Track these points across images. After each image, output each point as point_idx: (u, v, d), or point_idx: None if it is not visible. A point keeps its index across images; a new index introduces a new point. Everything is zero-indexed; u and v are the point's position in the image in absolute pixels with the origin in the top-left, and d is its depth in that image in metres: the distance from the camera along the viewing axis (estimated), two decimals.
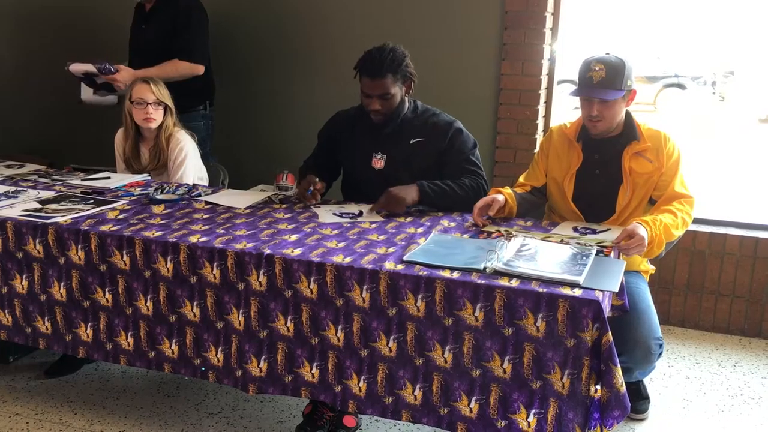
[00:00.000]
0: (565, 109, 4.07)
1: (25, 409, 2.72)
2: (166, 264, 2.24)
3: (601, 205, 2.60)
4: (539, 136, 3.68)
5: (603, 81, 2.47)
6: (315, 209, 2.65)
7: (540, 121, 3.66)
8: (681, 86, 14.73)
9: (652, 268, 2.78)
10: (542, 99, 3.64)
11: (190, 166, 3.09)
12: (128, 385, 2.93)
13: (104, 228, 2.33)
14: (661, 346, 2.48)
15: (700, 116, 13.85)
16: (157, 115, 3.07)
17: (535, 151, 3.66)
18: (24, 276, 2.41)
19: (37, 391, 2.86)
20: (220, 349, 2.25)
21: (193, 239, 2.24)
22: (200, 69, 3.43)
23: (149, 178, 3.06)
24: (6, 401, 2.77)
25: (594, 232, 2.42)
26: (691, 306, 3.55)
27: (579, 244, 2.25)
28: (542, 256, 2.12)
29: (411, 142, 2.74)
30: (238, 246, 2.19)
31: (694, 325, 3.56)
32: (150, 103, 3.02)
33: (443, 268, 2.03)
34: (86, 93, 3.60)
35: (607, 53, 2.55)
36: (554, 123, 3.74)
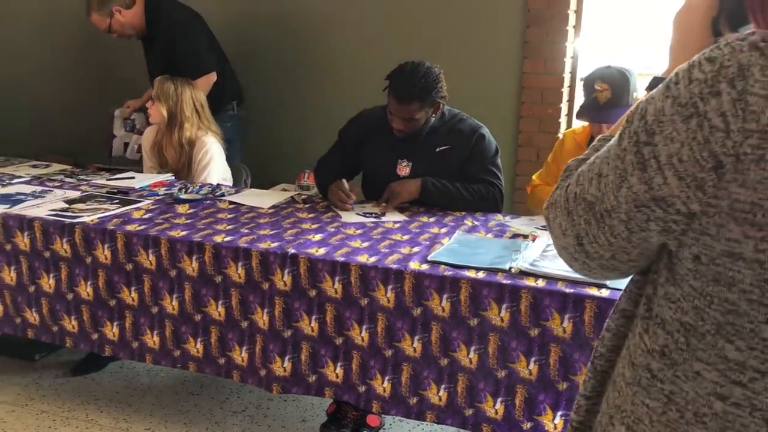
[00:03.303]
0: None
1: (52, 406, 2.75)
2: (191, 263, 2.25)
3: None
4: (562, 135, 3.65)
5: (609, 101, 2.43)
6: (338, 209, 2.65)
7: (563, 120, 3.64)
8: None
9: None
10: (565, 97, 3.61)
11: (215, 169, 3.10)
12: (153, 383, 2.95)
13: (130, 227, 2.35)
14: None
15: None
16: (153, 112, 3.11)
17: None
18: (51, 275, 2.44)
19: (64, 388, 2.89)
20: (244, 348, 2.26)
21: (218, 239, 2.25)
22: (212, 77, 3.39)
23: (173, 178, 3.08)
24: (33, 399, 2.80)
25: None
26: None
27: None
28: None
29: (437, 150, 2.72)
30: (263, 245, 2.20)
31: None
32: (152, 99, 3.10)
33: (468, 268, 2.02)
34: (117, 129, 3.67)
35: (609, 66, 2.50)
36: (576, 120, 3.72)
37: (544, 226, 2.45)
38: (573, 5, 3.52)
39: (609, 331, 0.91)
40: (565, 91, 3.61)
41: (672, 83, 0.76)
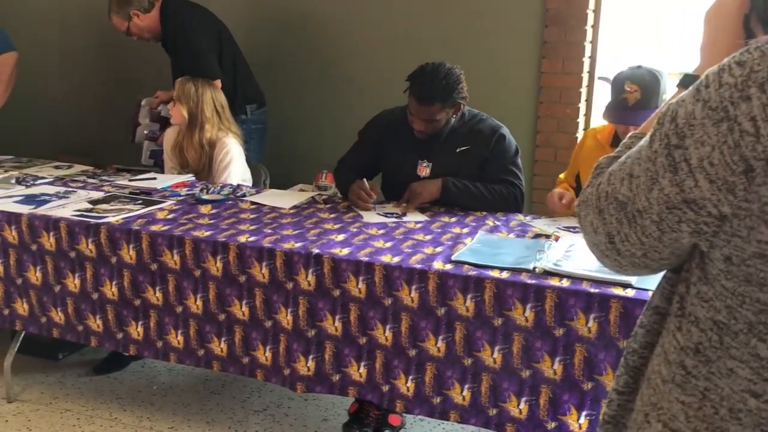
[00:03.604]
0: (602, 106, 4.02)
1: (76, 405, 2.78)
2: (215, 263, 2.27)
3: None
4: (580, 135, 3.65)
5: (638, 103, 2.39)
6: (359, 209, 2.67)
7: (581, 119, 3.63)
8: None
9: None
10: (583, 97, 3.61)
11: (235, 170, 3.12)
12: (174, 382, 2.97)
13: (155, 228, 2.37)
14: None
15: None
16: (174, 113, 3.15)
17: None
18: (76, 275, 2.46)
19: (87, 387, 2.92)
20: (268, 347, 2.27)
21: (242, 239, 2.27)
22: (217, 83, 3.34)
23: (194, 178, 3.10)
24: (57, 397, 2.83)
25: None
26: None
27: None
28: (590, 256, 2.11)
29: (457, 150, 2.73)
30: (287, 246, 2.21)
31: None
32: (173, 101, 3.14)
33: (492, 267, 2.03)
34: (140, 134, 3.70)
35: (639, 67, 2.46)
36: (594, 120, 3.72)
37: (567, 227, 2.45)
38: (591, 5, 3.52)
39: (642, 327, 0.92)
40: (584, 90, 3.61)
41: (702, 86, 0.77)
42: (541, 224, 2.50)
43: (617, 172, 0.85)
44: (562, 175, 2.93)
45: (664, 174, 0.78)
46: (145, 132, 3.64)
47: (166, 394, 2.87)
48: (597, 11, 3.58)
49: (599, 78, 3.72)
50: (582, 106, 3.61)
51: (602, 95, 3.87)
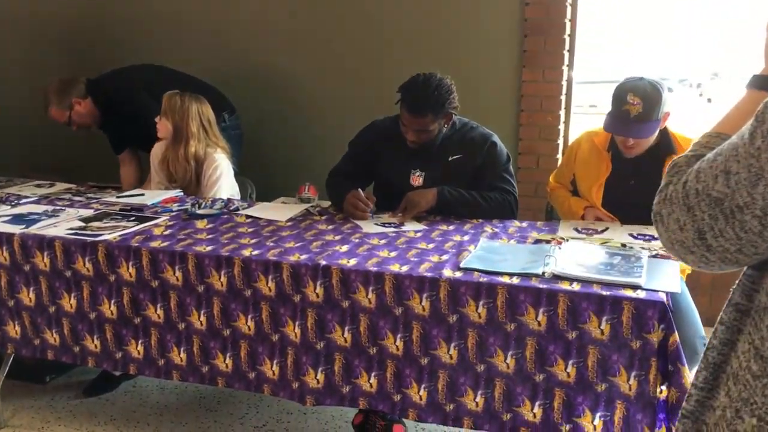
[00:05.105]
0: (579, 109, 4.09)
1: (69, 429, 2.70)
2: (219, 278, 2.24)
3: (638, 213, 2.60)
4: (561, 141, 3.72)
5: (640, 115, 2.42)
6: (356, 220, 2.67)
7: (561, 127, 3.70)
8: (668, 89, 14.85)
9: (688, 268, 2.81)
10: (563, 104, 3.68)
11: (224, 184, 3.09)
12: (169, 401, 2.92)
13: (154, 244, 2.33)
14: (705, 345, 2.50)
15: (689, 119, 13.97)
16: (161, 127, 3.11)
17: (557, 156, 3.70)
18: (72, 294, 2.41)
19: (79, 410, 2.84)
20: (275, 361, 2.25)
21: (246, 252, 2.25)
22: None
23: (182, 193, 3.06)
24: (48, 421, 2.75)
25: (653, 237, 2.40)
26: (717, 306, 3.59)
27: (643, 249, 2.26)
28: (595, 260, 2.15)
29: (449, 159, 2.75)
30: (293, 258, 2.20)
31: None
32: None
33: (502, 274, 2.05)
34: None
35: (641, 78, 2.49)
36: (573, 125, 3.78)
37: (585, 229, 2.49)
38: (568, 14, 3.60)
39: (722, 324, 0.94)
40: (563, 98, 3.68)
41: None
42: (541, 231, 2.54)
43: (708, 170, 0.86)
44: (551, 178, 2.97)
45: None
46: None
47: (162, 414, 2.82)
48: (573, 20, 3.66)
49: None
50: (562, 113, 3.68)
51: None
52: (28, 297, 2.45)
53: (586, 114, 5.37)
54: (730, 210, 0.84)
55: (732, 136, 0.86)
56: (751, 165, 0.81)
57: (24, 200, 2.90)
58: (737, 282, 0.95)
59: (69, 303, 2.42)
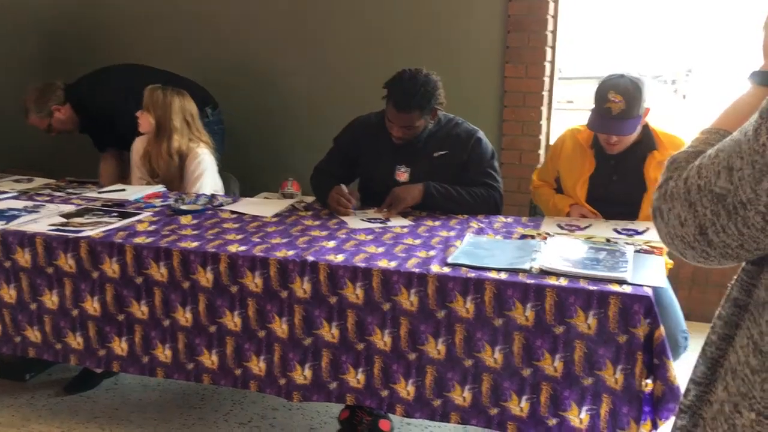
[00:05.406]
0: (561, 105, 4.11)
1: (51, 427, 2.67)
2: (205, 274, 2.22)
3: (620, 209, 2.62)
4: (544, 137, 3.74)
5: (622, 112, 2.44)
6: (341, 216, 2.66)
7: (544, 122, 3.72)
8: (651, 80, 14.99)
9: (670, 262, 2.84)
10: (546, 100, 3.70)
11: (207, 180, 3.07)
12: (152, 398, 2.89)
13: (138, 240, 2.31)
14: (686, 338, 2.54)
15: (664, 115, 14.14)
16: (143, 121, 3.08)
17: (540, 151, 3.72)
18: (54, 291, 2.37)
19: (59, 408, 2.80)
20: (262, 358, 2.24)
21: (233, 248, 2.23)
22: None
23: (165, 189, 3.03)
24: (29, 419, 2.71)
25: (637, 232, 2.44)
26: (696, 300, 3.64)
27: (627, 244, 2.28)
28: (581, 255, 2.17)
29: (435, 155, 2.75)
30: (279, 254, 2.19)
31: (700, 317, 3.65)
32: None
33: (489, 269, 2.05)
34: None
35: (622, 75, 2.50)
36: (555, 120, 3.81)
37: (569, 225, 2.51)
38: (551, 10, 3.61)
39: (720, 319, 0.95)
40: (546, 94, 3.69)
41: None
42: (526, 226, 2.56)
43: (709, 166, 0.87)
44: (535, 177, 2.98)
45: None
46: None
47: (146, 411, 2.79)
48: (555, 17, 3.68)
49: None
50: (545, 109, 3.70)
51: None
52: (8, 294, 2.41)
53: (563, 110, 5.40)
54: (732, 206, 0.84)
55: (732, 132, 0.87)
56: (756, 161, 0.81)
57: (3, 196, 2.85)
58: (735, 277, 0.95)
59: (51, 300, 2.38)
